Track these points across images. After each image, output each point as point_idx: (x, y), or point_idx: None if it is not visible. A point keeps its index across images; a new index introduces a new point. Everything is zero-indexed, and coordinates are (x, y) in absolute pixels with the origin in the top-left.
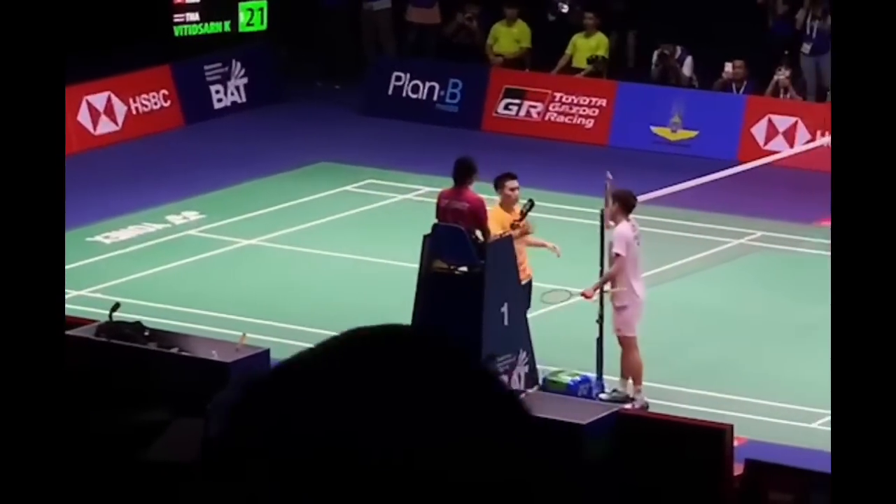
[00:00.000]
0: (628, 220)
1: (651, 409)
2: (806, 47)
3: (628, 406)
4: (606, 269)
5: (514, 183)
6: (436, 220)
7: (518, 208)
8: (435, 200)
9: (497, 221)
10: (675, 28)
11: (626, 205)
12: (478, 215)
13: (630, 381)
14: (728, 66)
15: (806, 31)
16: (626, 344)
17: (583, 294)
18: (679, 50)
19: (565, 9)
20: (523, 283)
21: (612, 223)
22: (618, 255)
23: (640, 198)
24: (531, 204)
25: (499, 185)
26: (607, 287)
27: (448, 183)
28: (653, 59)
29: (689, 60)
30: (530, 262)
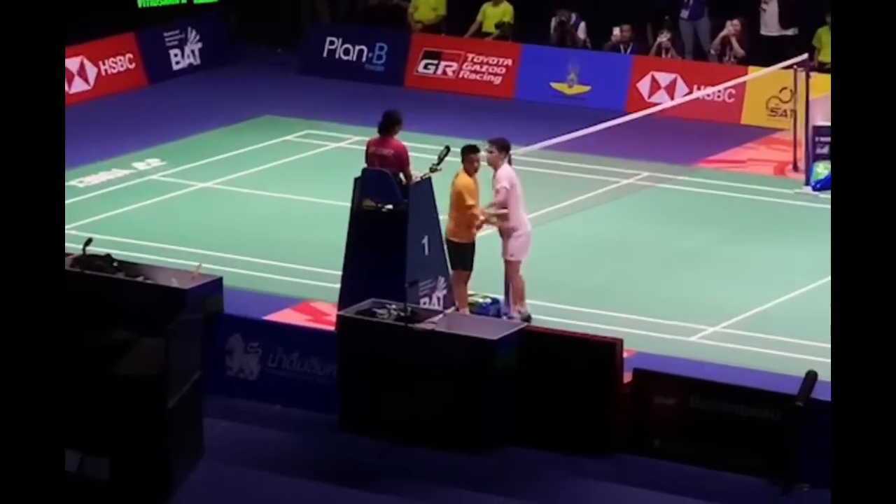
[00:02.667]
0: (509, 163)
1: (552, 327)
2: (684, 13)
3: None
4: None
5: (478, 155)
6: (365, 165)
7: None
8: (364, 148)
9: (465, 187)
10: None
11: (505, 149)
12: (401, 159)
13: (518, 302)
14: (616, 31)
15: (684, 1)
16: (514, 269)
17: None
18: (574, 16)
19: None
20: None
21: (494, 168)
22: (504, 188)
23: (542, 144)
24: (447, 150)
25: (465, 155)
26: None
27: (373, 133)
28: (551, 25)
29: (582, 25)
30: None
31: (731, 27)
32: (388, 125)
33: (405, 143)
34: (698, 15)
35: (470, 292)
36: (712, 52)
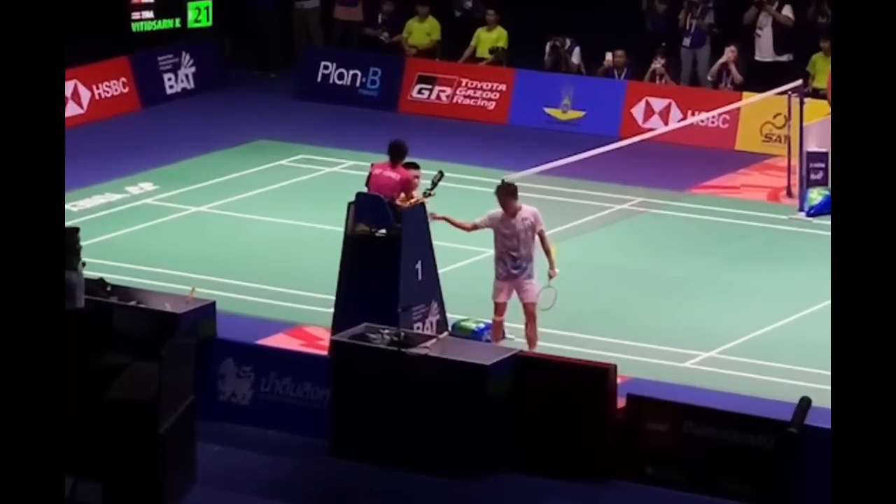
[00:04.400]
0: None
1: (545, 351)
2: (686, 41)
3: None
4: (526, 248)
5: (417, 172)
6: (362, 189)
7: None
8: (358, 172)
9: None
10: (565, 22)
11: (514, 192)
12: (406, 187)
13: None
14: (608, 56)
15: (686, 28)
16: (536, 314)
17: (552, 275)
18: (568, 42)
19: (469, 5)
20: None
21: (513, 211)
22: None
23: (536, 169)
24: (440, 175)
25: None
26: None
27: (368, 157)
28: (546, 50)
29: (577, 51)
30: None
31: (730, 53)
32: (400, 154)
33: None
34: (700, 43)
35: (463, 317)
36: (709, 78)
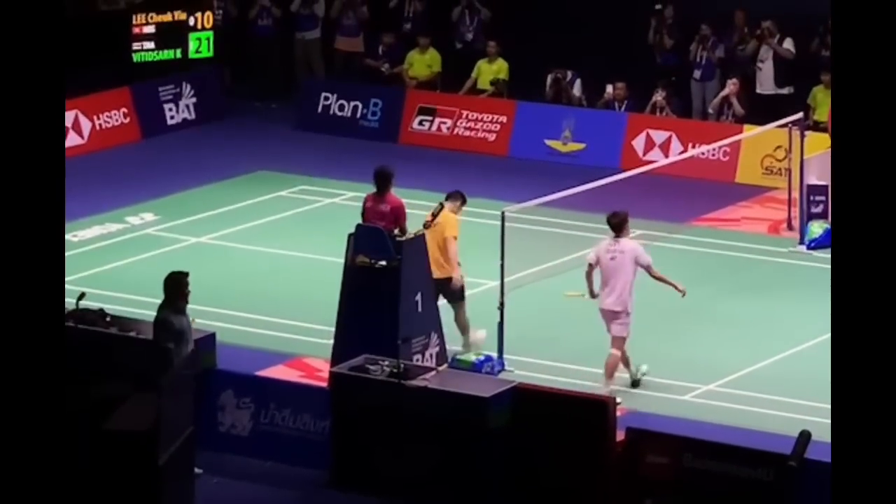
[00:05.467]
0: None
1: (546, 384)
2: (696, 73)
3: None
4: (626, 280)
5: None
6: (360, 221)
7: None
8: (358, 204)
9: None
10: (565, 54)
11: (627, 224)
12: (398, 215)
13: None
14: (609, 88)
15: (697, 61)
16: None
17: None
18: (569, 74)
19: (470, 37)
20: (443, 277)
21: (619, 242)
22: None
23: (536, 201)
24: (441, 206)
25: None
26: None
27: (368, 189)
28: (547, 82)
29: (578, 83)
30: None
31: (731, 86)
32: (384, 182)
33: (402, 200)
34: (710, 76)
35: (462, 349)
36: (710, 111)
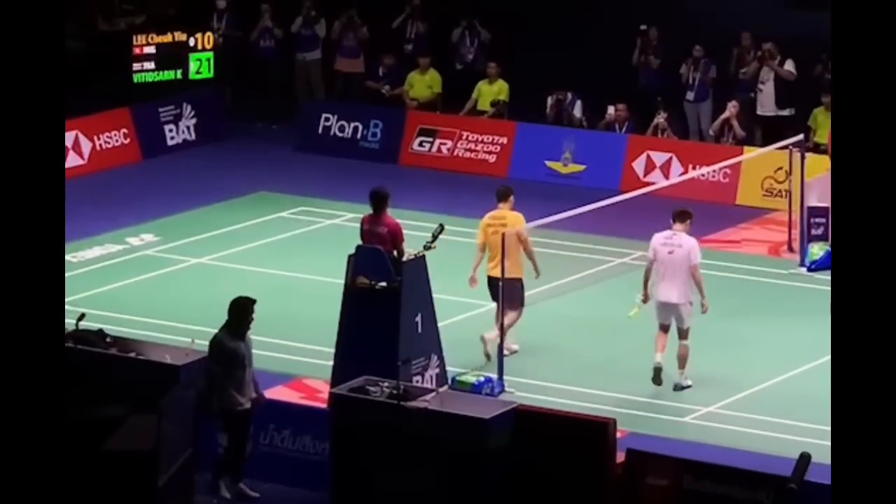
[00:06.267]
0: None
1: (545, 405)
2: (690, 95)
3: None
4: (681, 276)
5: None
6: (359, 242)
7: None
8: (358, 226)
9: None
10: (565, 76)
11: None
12: (395, 237)
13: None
14: (611, 109)
15: (689, 83)
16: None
17: (705, 309)
18: (570, 95)
19: (470, 58)
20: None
21: (677, 235)
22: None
23: (537, 222)
24: (441, 228)
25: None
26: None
27: (368, 210)
28: (548, 103)
29: (578, 104)
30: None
31: (732, 108)
32: (379, 203)
33: (399, 221)
34: (704, 97)
35: (463, 371)
36: (711, 133)
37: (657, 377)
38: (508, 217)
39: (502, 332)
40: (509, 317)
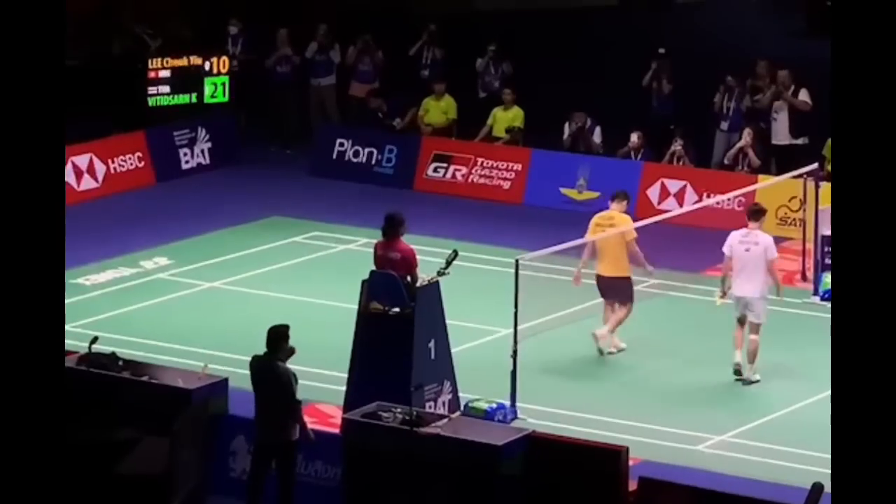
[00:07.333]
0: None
1: (559, 433)
2: (724, 125)
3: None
4: (759, 271)
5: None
6: (373, 268)
7: None
8: (372, 250)
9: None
10: (580, 102)
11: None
12: (409, 262)
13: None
14: (634, 136)
15: (724, 112)
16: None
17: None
18: (588, 121)
19: (497, 85)
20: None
21: (753, 233)
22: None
23: (550, 249)
24: (455, 254)
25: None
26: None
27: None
28: (566, 128)
29: (597, 130)
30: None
31: (747, 137)
32: (393, 228)
33: (413, 246)
34: (738, 126)
35: (475, 397)
36: (726, 161)
37: (738, 373)
38: (617, 218)
39: (513, 344)
40: (619, 314)
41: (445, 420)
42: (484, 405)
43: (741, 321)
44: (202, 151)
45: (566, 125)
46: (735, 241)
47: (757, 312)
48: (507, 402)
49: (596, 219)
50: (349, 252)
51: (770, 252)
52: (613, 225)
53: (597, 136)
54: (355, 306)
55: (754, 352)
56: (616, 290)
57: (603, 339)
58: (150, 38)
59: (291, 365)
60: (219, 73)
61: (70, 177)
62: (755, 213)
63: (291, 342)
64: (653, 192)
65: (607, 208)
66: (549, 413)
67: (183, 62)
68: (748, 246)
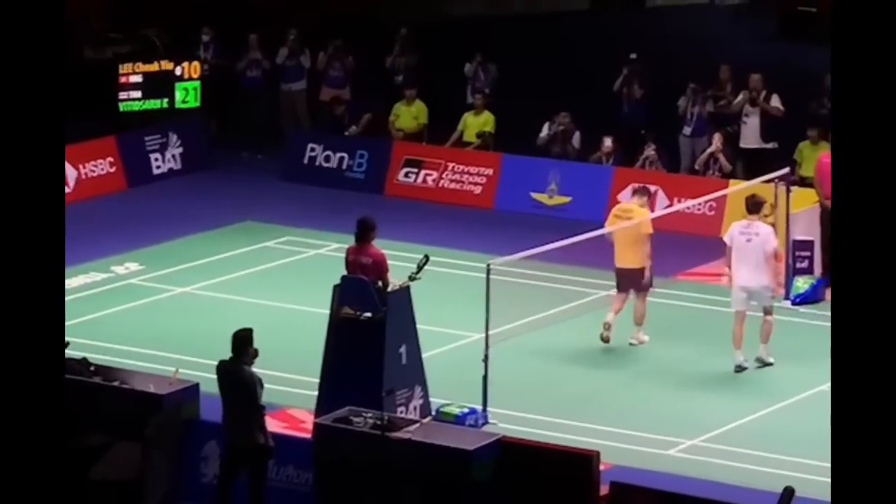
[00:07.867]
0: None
1: (529, 437)
2: (686, 130)
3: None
4: (761, 263)
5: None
6: (345, 273)
7: None
8: (344, 255)
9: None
10: (553, 108)
11: (765, 205)
12: (380, 267)
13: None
14: (607, 140)
15: (687, 117)
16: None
17: (776, 293)
18: (571, 124)
19: (488, 90)
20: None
21: (754, 224)
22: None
23: (521, 255)
24: (426, 259)
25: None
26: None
27: (353, 240)
28: (545, 128)
29: (577, 135)
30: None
31: (718, 141)
32: (364, 233)
33: (384, 251)
34: (702, 132)
35: (446, 402)
36: (696, 167)
37: (740, 368)
38: (635, 211)
39: (484, 345)
40: (639, 308)
41: (417, 425)
42: (455, 410)
43: (740, 316)
44: (174, 156)
45: (546, 125)
46: (736, 232)
47: (764, 297)
48: (479, 407)
49: (615, 210)
50: (321, 257)
51: (769, 243)
52: (631, 218)
53: (576, 141)
54: (327, 311)
55: (768, 333)
56: (631, 280)
57: (611, 329)
58: (120, 44)
59: (261, 370)
60: (190, 79)
61: None
62: (754, 204)
63: (263, 347)
64: (624, 197)
65: (579, 216)
66: (520, 418)
67: (154, 67)
68: (749, 237)
